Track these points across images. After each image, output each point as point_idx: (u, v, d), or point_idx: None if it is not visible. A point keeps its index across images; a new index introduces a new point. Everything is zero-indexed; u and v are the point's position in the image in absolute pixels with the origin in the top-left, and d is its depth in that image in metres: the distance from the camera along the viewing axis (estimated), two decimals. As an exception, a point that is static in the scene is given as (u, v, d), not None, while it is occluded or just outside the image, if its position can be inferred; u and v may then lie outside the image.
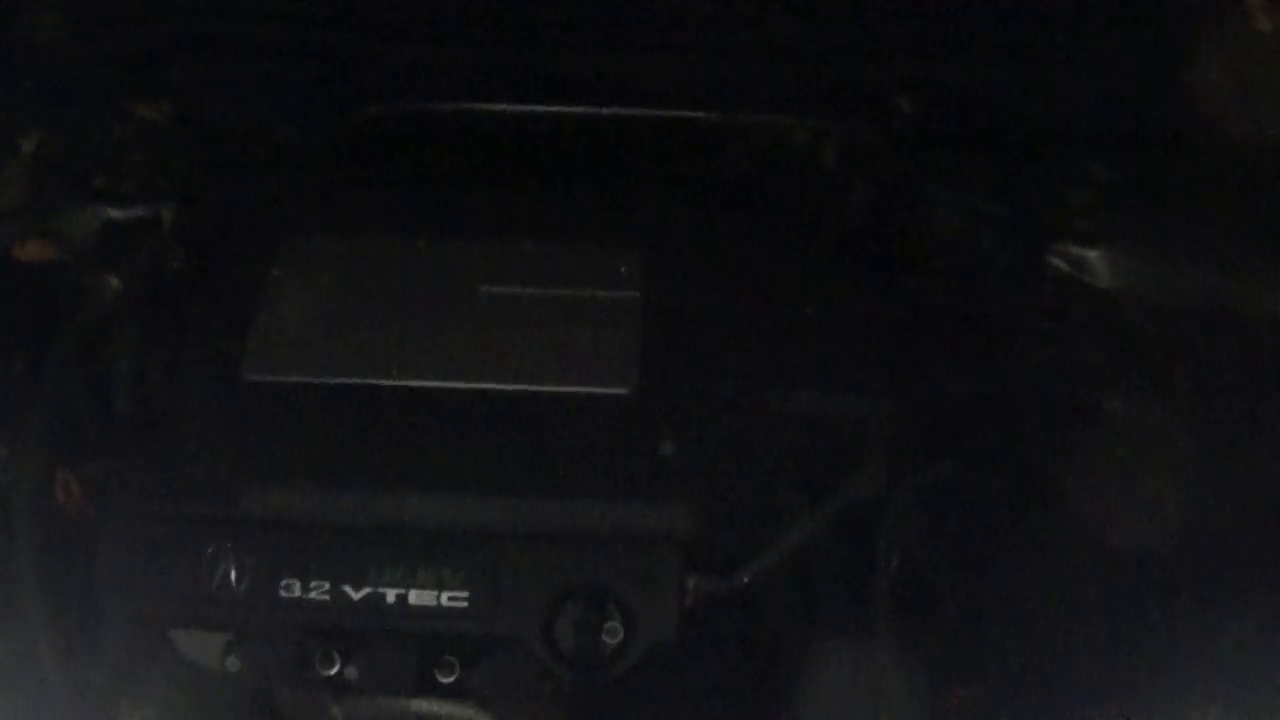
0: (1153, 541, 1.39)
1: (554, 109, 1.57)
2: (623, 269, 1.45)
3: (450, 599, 1.32)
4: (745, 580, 1.34)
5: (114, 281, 1.46)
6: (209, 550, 1.33)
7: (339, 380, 1.39)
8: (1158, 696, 1.33)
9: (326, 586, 1.32)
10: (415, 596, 1.32)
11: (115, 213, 1.50)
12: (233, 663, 1.35)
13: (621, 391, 1.38)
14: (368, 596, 1.32)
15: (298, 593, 1.32)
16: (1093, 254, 1.48)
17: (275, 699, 1.39)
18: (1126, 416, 1.45)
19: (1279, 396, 1.44)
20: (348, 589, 1.32)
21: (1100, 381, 1.47)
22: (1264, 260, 1.48)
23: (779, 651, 1.40)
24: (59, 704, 1.37)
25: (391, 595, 1.32)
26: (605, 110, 1.57)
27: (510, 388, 1.38)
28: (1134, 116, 1.57)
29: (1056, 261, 1.49)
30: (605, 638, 1.31)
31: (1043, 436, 1.45)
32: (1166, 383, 1.47)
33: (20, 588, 1.37)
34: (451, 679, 1.33)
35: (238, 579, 1.33)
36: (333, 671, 1.33)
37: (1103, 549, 1.39)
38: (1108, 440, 1.44)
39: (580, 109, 1.57)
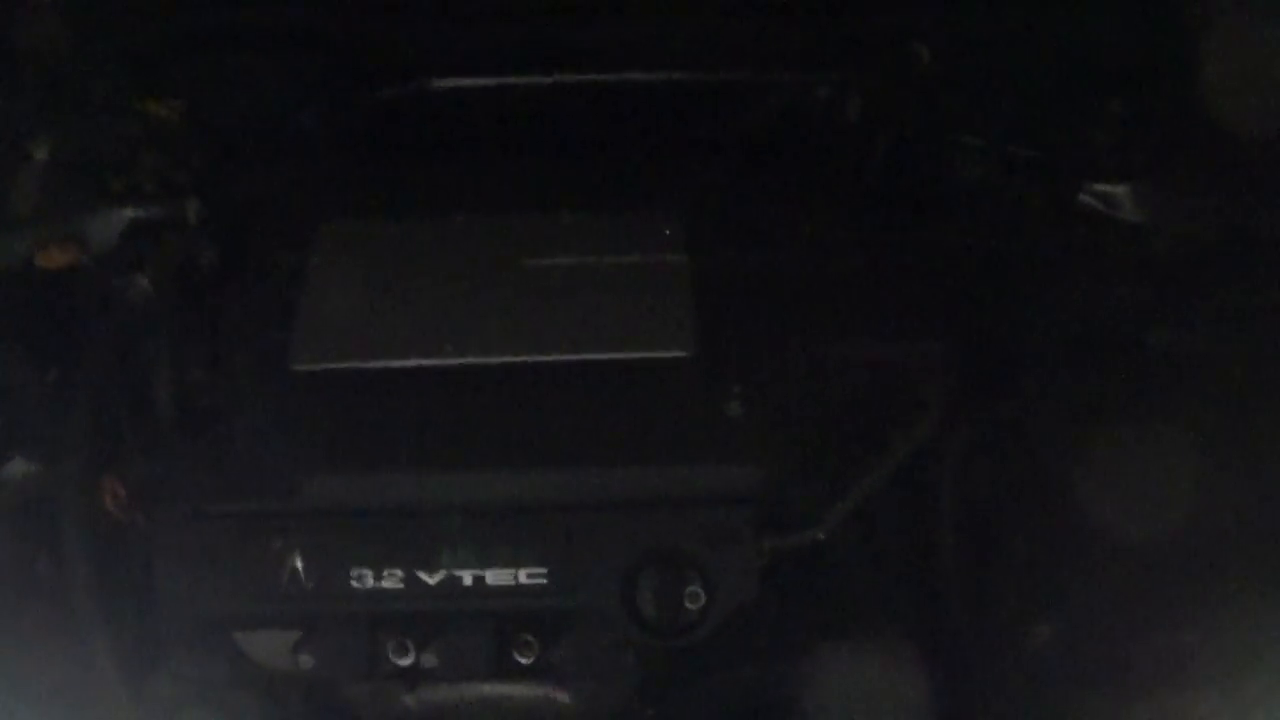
0: (1209, 464, 1.39)
1: (575, 78, 1.55)
2: (666, 232, 1.43)
3: (529, 576, 1.29)
4: (819, 536, 1.33)
5: (143, 282, 1.42)
6: (275, 546, 1.30)
7: (392, 364, 1.36)
8: (1236, 613, 1.33)
9: (400, 573, 1.29)
10: (492, 576, 1.29)
11: (137, 213, 1.46)
12: (305, 660, 1.32)
13: (681, 354, 1.36)
14: (444, 580, 1.29)
15: (370, 583, 1.29)
16: (1120, 190, 1.48)
17: (347, 694, 1.36)
18: (1171, 346, 1.45)
19: None
20: (422, 574, 1.29)
21: (1141, 313, 1.47)
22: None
23: (853, 603, 1.39)
24: (124, 717, 1.33)
25: (468, 577, 1.29)
26: (627, 77, 1.55)
27: (569, 358, 1.36)
28: (1148, 50, 1.57)
29: (1086, 199, 1.49)
30: (687, 602, 1.29)
31: (1091, 370, 1.44)
32: (1205, 309, 1.47)
33: (75, 600, 1.34)
34: (531, 659, 1.31)
35: (307, 573, 1.30)
36: (408, 661, 1.31)
37: (1162, 474, 1.38)
38: (1156, 370, 1.44)
39: (602, 77, 1.55)
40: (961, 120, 1.54)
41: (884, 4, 1.58)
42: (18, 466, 1.42)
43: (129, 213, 1.46)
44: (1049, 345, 1.45)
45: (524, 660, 1.31)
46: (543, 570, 1.29)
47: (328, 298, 1.40)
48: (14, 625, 1.36)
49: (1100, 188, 1.49)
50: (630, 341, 1.36)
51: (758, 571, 1.30)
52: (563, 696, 1.34)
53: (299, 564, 1.30)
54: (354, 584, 1.29)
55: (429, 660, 1.31)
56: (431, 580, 1.29)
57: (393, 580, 1.29)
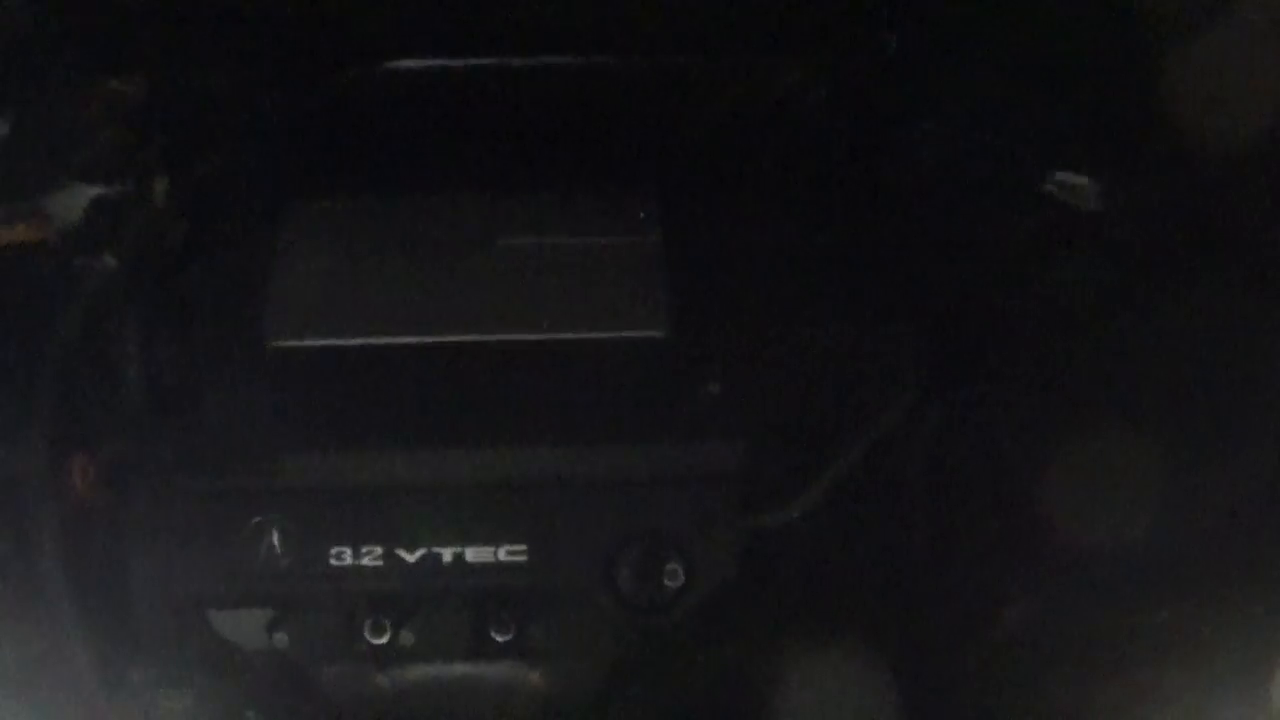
0: (1179, 446, 1.41)
1: (545, 60, 1.54)
2: (640, 213, 1.43)
3: (508, 553, 1.29)
4: (796, 514, 1.34)
5: (109, 259, 1.40)
6: (252, 523, 1.29)
7: (368, 341, 1.35)
8: (1205, 592, 1.35)
9: (380, 551, 1.29)
10: (472, 554, 1.29)
11: (102, 190, 1.44)
12: (280, 639, 1.32)
13: (656, 334, 1.36)
14: (423, 558, 1.29)
15: (349, 560, 1.29)
16: (1081, 180, 1.51)
17: (322, 673, 1.35)
18: (1137, 329, 1.48)
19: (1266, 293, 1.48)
20: (402, 552, 1.29)
21: (1107, 298, 1.49)
22: (1238, 176, 1.52)
23: (826, 583, 1.39)
24: (94, 703, 1.31)
25: (448, 554, 1.29)
26: (597, 59, 1.55)
27: (545, 337, 1.35)
28: (1114, 41, 1.60)
29: (1049, 188, 1.51)
30: (666, 580, 1.30)
31: (1059, 352, 1.46)
32: (1170, 294, 1.49)
33: (44, 584, 1.31)
34: (509, 637, 1.31)
35: (284, 551, 1.29)
36: (384, 639, 1.30)
37: (1132, 455, 1.40)
38: (1124, 353, 1.46)
39: (572, 59, 1.55)
40: (926, 107, 1.56)
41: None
42: (-17, 449, 1.40)
43: (94, 190, 1.44)
44: (1017, 327, 1.46)
45: (501, 639, 1.31)
46: (522, 548, 1.29)
47: (300, 275, 1.39)
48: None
49: (1062, 177, 1.51)
50: (605, 321, 1.36)
51: (736, 550, 1.31)
52: (540, 675, 1.34)
53: (276, 542, 1.29)
54: (332, 562, 1.29)
55: (406, 639, 1.31)
56: (411, 558, 1.29)
57: (371, 558, 1.29)
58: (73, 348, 1.38)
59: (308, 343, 1.35)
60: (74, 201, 1.43)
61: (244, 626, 1.32)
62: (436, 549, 1.29)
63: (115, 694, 1.31)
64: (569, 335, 1.36)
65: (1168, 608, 1.36)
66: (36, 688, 1.30)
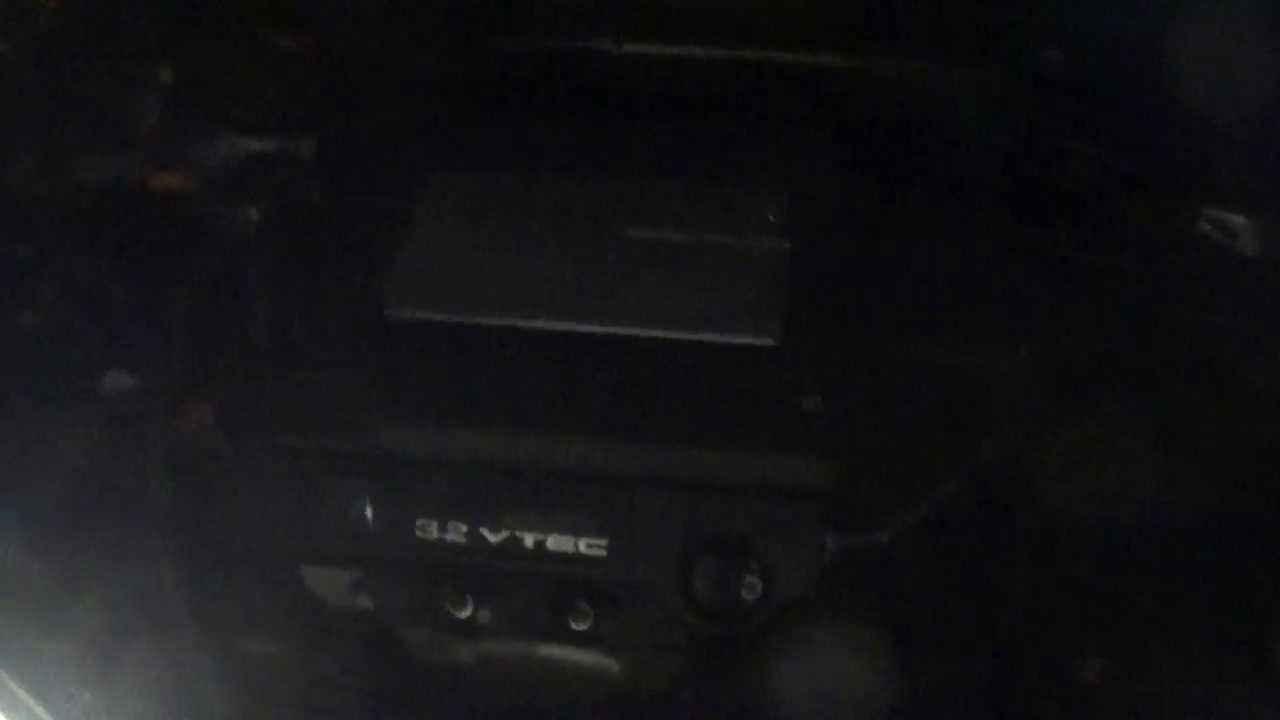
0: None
1: (694, 50, 1.53)
2: (770, 216, 1.42)
3: (588, 545, 1.30)
4: (885, 539, 1.33)
5: (250, 212, 1.45)
6: (346, 486, 1.33)
7: (482, 320, 1.37)
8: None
9: (464, 528, 1.31)
10: (553, 542, 1.31)
11: (252, 144, 1.48)
12: (363, 600, 1.35)
13: (768, 342, 1.35)
14: (505, 540, 1.31)
15: (434, 533, 1.31)
16: (1240, 220, 1.45)
17: (403, 638, 1.38)
18: (1269, 383, 1.42)
19: None
20: (485, 531, 1.31)
21: (1240, 347, 1.43)
22: None
23: (911, 611, 1.38)
24: (185, 641, 1.37)
25: (529, 540, 1.31)
26: (747, 53, 1.53)
27: (655, 334, 1.36)
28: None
29: (1204, 226, 1.45)
30: (744, 592, 1.29)
31: (1181, 399, 1.41)
32: None
33: (147, 517, 1.37)
34: (584, 626, 1.32)
35: (374, 517, 1.32)
36: (464, 613, 1.33)
37: (1247, 514, 1.35)
38: (1248, 408, 1.41)
39: (722, 51, 1.53)
40: (1082, 129, 1.51)
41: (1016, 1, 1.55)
42: (116, 380, 1.46)
43: (245, 143, 1.48)
44: (1141, 369, 1.42)
45: (578, 627, 1.32)
46: (602, 542, 1.30)
47: (428, 248, 1.42)
48: (88, 533, 1.40)
49: (1219, 215, 1.45)
50: (718, 324, 1.36)
51: (818, 569, 1.30)
52: (613, 666, 1.36)
53: (366, 507, 1.32)
54: (418, 534, 1.32)
55: (485, 616, 1.33)
56: (494, 539, 1.31)
57: (456, 534, 1.31)
58: (204, 294, 1.43)
59: (422, 316, 1.37)
60: (225, 153, 1.48)
61: (333, 584, 1.36)
62: (520, 533, 1.31)
63: (206, 636, 1.36)
64: (680, 334, 1.36)
65: (1252, 680, 1.31)
66: (128, 612, 1.36)
